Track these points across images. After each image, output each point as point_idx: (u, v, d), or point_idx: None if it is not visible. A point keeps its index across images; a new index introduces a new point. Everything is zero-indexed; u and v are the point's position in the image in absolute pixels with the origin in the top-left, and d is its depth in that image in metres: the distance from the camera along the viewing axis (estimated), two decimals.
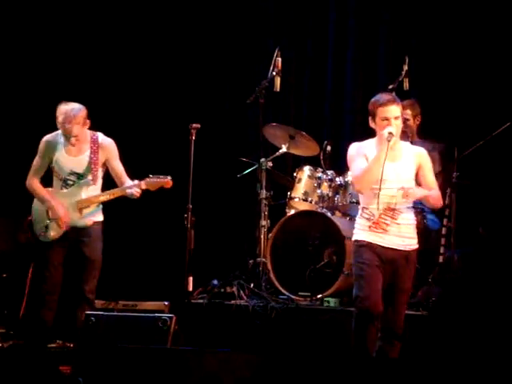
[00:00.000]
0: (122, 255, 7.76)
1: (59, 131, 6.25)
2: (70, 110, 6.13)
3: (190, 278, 6.43)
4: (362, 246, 5.42)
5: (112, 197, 6.25)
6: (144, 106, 8.20)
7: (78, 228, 6.23)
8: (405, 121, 6.87)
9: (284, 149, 7.13)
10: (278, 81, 6.94)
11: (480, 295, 5.91)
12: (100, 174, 6.28)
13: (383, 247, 5.39)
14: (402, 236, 5.40)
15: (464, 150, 6.65)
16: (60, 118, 6.14)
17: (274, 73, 6.92)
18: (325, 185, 6.96)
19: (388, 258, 5.38)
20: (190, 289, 6.47)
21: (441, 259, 6.61)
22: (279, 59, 6.94)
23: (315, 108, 8.11)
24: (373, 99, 5.44)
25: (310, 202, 7.01)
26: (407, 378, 4.55)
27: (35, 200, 6.33)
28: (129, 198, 6.29)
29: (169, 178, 6.19)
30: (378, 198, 5.30)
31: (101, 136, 6.29)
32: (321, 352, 6.18)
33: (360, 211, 5.50)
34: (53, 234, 6.24)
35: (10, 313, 6.39)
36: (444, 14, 7.60)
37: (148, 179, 6.18)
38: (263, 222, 6.98)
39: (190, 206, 6.44)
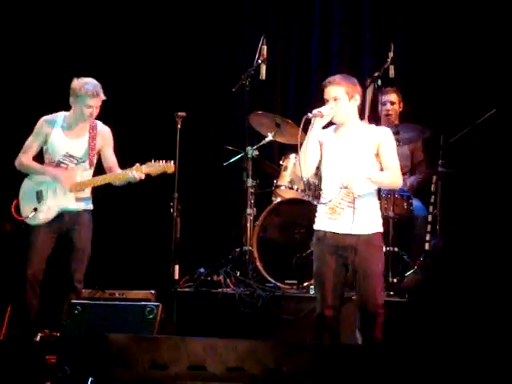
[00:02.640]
0: (109, 244, 7.71)
1: (59, 113, 6.24)
2: (99, 85, 6.12)
3: (177, 267, 6.39)
4: (318, 238, 5.38)
5: (108, 181, 6.22)
6: (129, 94, 8.15)
7: (68, 213, 6.19)
8: (392, 104, 6.94)
9: (270, 137, 7.12)
10: (263, 69, 6.92)
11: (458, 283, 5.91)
12: (95, 160, 6.26)
13: (339, 234, 5.31)
14: (358, 220, 5.26)
15: (449, 137, 6.66)
16: (88, 91, 6.06)
17: (260, 61, 6.90)
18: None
19: (345, 245, 5.29)
20: (177, 277, 6.43)
21: (427, 246, 6.62)
22: (265, 47, 6.92)
23: (301, 96, 8.10)
24: None
25: (296, 190, 6.99)
26: (391, 365, 4.55)
27: (25, 181, 6.28)
28: (115, 187, 6.27)
29: (171, 162, 6.16)
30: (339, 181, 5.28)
31: (100, 123, 6.29)
32: (306, 339, 6.21)
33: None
34: (42, 217, 6.17)
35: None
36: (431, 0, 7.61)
37: (149, 163, 6.14)
38: (249, 211, 6.97)
39: (176, 195, 6.41)
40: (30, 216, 6.16)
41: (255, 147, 7.06)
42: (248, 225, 6.95)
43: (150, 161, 6.16)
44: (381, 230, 5.40)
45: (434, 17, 7.57)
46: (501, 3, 7.30)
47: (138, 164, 6.14)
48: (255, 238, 6.84)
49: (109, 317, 5.65)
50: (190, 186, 7.70)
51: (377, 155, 5.33)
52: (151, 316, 5.56)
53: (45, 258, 6.23)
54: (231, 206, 7.98)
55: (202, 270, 6.90)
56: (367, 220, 5.32)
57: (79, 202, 6.22)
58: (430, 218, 6.66)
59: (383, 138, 5.36)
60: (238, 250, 6.95)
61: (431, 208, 6.65)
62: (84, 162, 6.21)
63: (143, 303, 5.76)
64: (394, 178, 5.38)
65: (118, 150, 6.39)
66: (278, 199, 7.04)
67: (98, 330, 5.35)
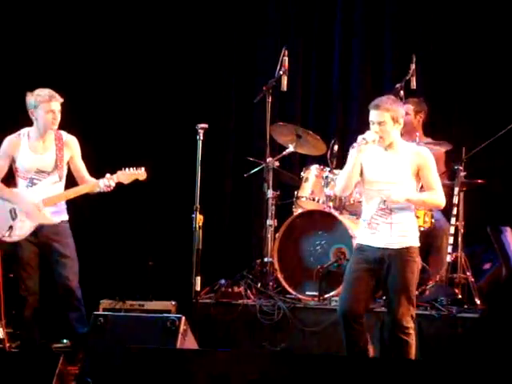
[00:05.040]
0: (131, 255, 7.76)
1: (23, 130, 6.23)
2: (52, 91, 6.12)
3: (198, 278, 6.41)
4: (356, 249, 5.60)
5: (81, 193, 6.21)
6: (151, 106, 8.17)
7: (45, 227, 6.16)
8: (405, 114, 6.87)
9: (291, 148, 7.11)
10: (284, 80, 6.93)
11: None
12: (65, 171, 6.25)
13: (373, 247, 5.46)
14: (393, 235, 5.43)
15: (471, 149, 6.64)
16: (43, 97, 6.07)
17: (281, 72, 6.91)
18: (332, 184, 6.90)
19: (378, 258, 5.44)
20: (198, 288, 6.44)
21: (448, 258, 6.57)
22: (286, 58, 6.92)
23: (322, 107, 8.09)
24: None
25: (318, 202, 6.98)
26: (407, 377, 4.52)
27: None
28: (133, 195, 6.26)
29: (142, 169, 6.20)
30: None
31: (64, 134, 6.28)
32: (328, 352, 6.18)
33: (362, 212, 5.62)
34: (18, 233, 6.15)
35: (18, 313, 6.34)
36: (453, 13, 7.59)
37: (120, 172, 6.17)
38: (270, 222, 6.96)
39: (198, 206, 6.42)
40: (6, 234, 6.13)
41: (276, 158, 7.06)
42: (269, 236, 6.93)
43: (120, 169, 6.18)
44: (416, 244, 5.50)
45: (457, 30, 7.58)
46: None
47: (108, 174, 6.16)
48: (276, 249, 6.82)
49: (131, 329, 5.66)
50: (212, 197, 7.68)
51: (416, 175, 5.47)
52: (174, 328, 5.56)
53: (36, 269, 6.20)
54: (252, 218, 7.99)
55: (222, 281, 6.87)
56: (401, 235, 5.45)
57: (54, 216, 6.20)
58: (452, 230, 6.61)
59: (422, 160, 5.48)
60: (258, 261, 6.94)
61: (453, 220, 6.60)
62: (54, 175, 6.20)
63: (165, 315, 5.78)
64: (436, 199, 5.52)
65: (141, 163, 6.37)
66: (299, 210, 7.01)
67: (120, 342, 5.38)
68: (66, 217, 6.27)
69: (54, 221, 6.18)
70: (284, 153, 7.15)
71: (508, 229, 6.77)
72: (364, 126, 5.53)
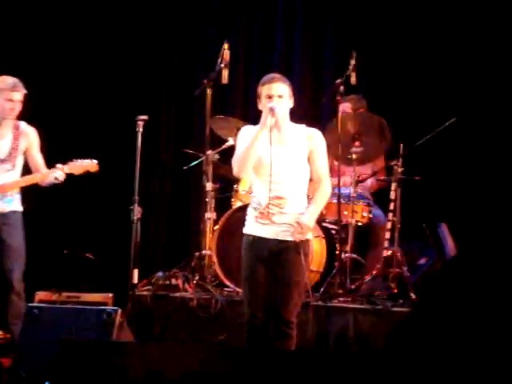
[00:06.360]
0: (68, 246, 7.65)
1: None
2: (17, 80, 6.05)
3: (136, 271, 6.37)
4: (247, 241, 5.16)
5: (31, 182, 6.16)
6: (90, 97, 8.11)
7: None
8: (343, 113, 6.84)
9: (231, 141, 7.03)
10: (225, 73, 6.85)
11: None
12: (20, 161, 6.19)
13: (268, 239, 5.10)
14: (290, 226, 5.05)
15: (409, 145, 6.67)
16: (6, 85, 6.03)
17: (222, 65, 6.84)
18: None
19: (274, 250, 5.07)
20: (136, 281, 6.40)
21: (385, 253, 6.60)
22: (227, 51, 6.87)
23: None
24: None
25: None
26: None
27: None
28: (70, 188, 6.23)
29: (95, 161, 6.18)
30: (270, 185, 4.99)
31: (23, 124, 6.23)
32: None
33: (251, 200, 5.26)
34: None
35: None
36: (391, 9, 7.64)
37: (71, 163, 6.15)
38: (209, 215, 6.92)
39: (137, 198, 6.38)
40: None
41: (216, 151, 7.02)
42: (207, 229, 6.90)
43: (72, 160, 6.15)
44: (308, 237, 5.16)
45: (395, 26, 7.61)
46: (460, 9, 7.38)
47: (59, 164, 6.13)
48: (214, 242, 6.78)
49: (66, 320, 5.61)
50: (151, 189, 7.62)
51: (308, 159, 5.16)
52: (110, 320, 5.54)
53: None
54: (191, 210, 7.95)
55: (160, 273, 6.82)
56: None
57: (4, 204, 6.14)
58: (388, 225, 6.65)
59: (315, 142, 5.14)
60: (196, 254, 6.89)
61: (390, 215, 6.63)
62: (7, 163, 6.14)
63: (102, 307, 5.74)
64: (327, 193, 5.19)
65: (78, 154, 6.32)
66: (238, 204, 6.99)
67: (55, 334, 5.32)
68: (18, 207, 6.21)
69: (2, 210, 6.09)
70: (224, 146, 7.11)
71: (444, 225, 6.85)
72: (302, 121, 5.41)
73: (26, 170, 6.29)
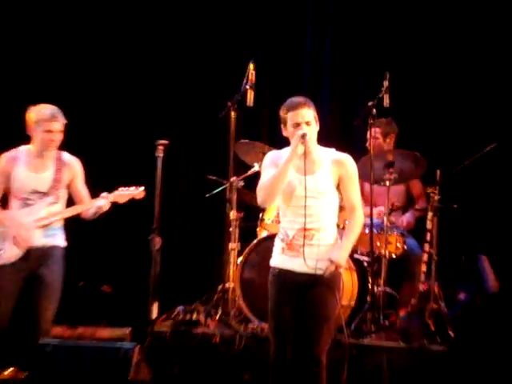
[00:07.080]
0: (84, 278, 7.57)
1: (21, 147, 5.97)
2: (56, 108, 5.87)
3: (155, 304, 6.24)
4: (274, 274, 5.02)
5: (75, 212, 5.98)
6: (111, 121, 8.03)
7: (37, 249, 5.86)
8: (374, 139, 6.64)
9: (256, 167, 6.88)
10: (251, 95, 6.70)
11: None
12: (64, 194, 5.99)
13: (297, 272, 4.95)
14: (317, 259, 4.91)
15: (447, 172, 6.50)
16: (44, 115, 5.82)
17: (248, 86, 6.69)
18: None
19: (303, 284, 4.93)
20: (155, 315, 6.26)
21: (421, 287, 6.41)
22: (253, 72, 6.72)
23: None
24: (283, 104, 5.03)
25: None
26: None
27: None
28: (93, 218, 6.02)
29: (141, 188, 6.05)
30: (303, 217, 4.87)
31: (66, 154, 6.05)
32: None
33: (278, 230, 5.12)
34: (6, 255, 5.84)
35: None
36: (428, 30, 7.55)
37: (116, 192, 6.00)
38: (233, 245, 6.78)
39: (156, 227, 6.24)
40: None
41: (240, 178, 6.90)
42: (231, 260, 6.76)
43: (117, 189, 6.04)
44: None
45: (432, 47, 7.52)
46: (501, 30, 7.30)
47: (103, 193, 5.99)
48: (238, 274, 6.62)
49: (80, 358, 5.47)
50: (171, 218, 7.61)
51: (337, 187, 5.02)
52: (126, 358, 5.41)
53: (12, 300, 5.87)
54: (214, 240, 7.78)
55: (181, 307, 6.70)
56: (325, 258, 4.93)
57: (46, 239, 5.93)
58: (425, 257, 6.46)
59: (339, 169, 4.98)
60: (219, 287, 6.75)
61: (426, 246, 6.44)
62: (50, 196, 5.93)
63: (118, 344, 5.62)
64: (359, 225, 5.01)
65: (98, 180, 6.23)
66: (264, 233, 6.82)
67: (68, 373, 5.29)
68: (60, 242, 5.99)
69: (46, 243, 5.89)
70: (249, 172, 6.97)
71: (484, 257, 6.63)
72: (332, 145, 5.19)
73: (71, 204, 6.12)
